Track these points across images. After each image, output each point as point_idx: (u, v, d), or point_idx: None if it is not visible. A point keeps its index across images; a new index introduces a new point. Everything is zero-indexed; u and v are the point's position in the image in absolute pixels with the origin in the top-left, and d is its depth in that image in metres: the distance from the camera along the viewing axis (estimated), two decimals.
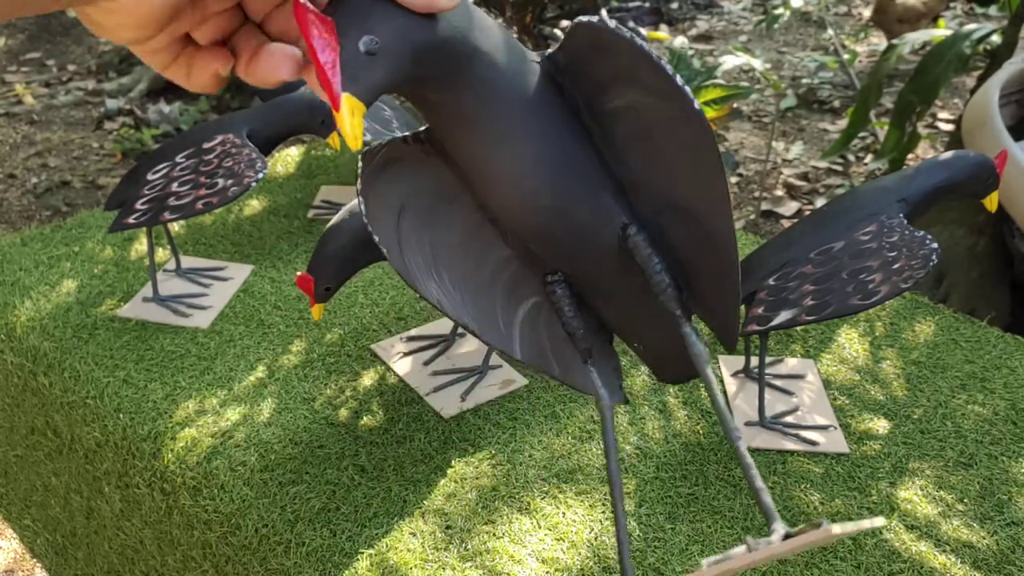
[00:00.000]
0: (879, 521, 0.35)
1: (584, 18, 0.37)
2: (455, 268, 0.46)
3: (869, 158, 2.50)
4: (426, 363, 0.85)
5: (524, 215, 0.41)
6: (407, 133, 0.42)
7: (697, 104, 0.36)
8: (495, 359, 0.86)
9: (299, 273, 0.75)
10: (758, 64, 2.00)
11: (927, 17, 3.00)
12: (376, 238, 0.44)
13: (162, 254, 1.03)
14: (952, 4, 3.64)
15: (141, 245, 1.05)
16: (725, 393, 0.83)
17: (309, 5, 0.32)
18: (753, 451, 0.76)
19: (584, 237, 0.42)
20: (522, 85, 0.37)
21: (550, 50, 0.38)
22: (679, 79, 0.36)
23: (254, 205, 1.14)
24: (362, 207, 0.44)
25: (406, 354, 0.87)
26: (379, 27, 0.33)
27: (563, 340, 0.49)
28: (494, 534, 0.68)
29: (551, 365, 0.49)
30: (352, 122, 0.33)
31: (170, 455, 0.76)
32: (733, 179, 2.43)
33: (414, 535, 0.68)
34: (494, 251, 0.47)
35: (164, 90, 2.98)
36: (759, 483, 0.39)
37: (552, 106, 0.38)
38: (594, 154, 0.40)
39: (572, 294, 0.47)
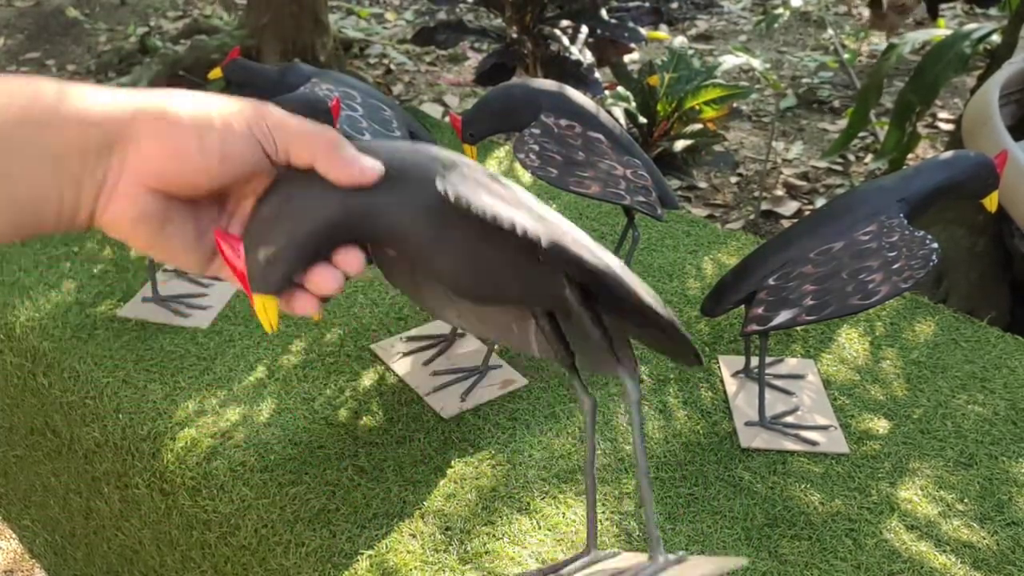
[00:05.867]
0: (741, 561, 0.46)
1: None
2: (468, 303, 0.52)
3: (869, 158, 2.50)
4: (426, 363, 0.85)
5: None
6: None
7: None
8: (495, 359, 0.85)
9: None
10: (758, 64, 2.01)
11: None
12: (396, 287, 0.51)
13: None
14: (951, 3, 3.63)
15: None
16: (726, 393, 0.83)
17: (221, 231, 0.43)
18: (753, 451, 0.76)
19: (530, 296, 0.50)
20: (431, 216, 0.44)
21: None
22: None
23: None
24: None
25: (406, 354, 0.86)
26: (271, 236, 0.42)
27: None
28: (494, 535, 0.68)
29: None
30: (265, 314, 0.43)
31: (169, 455, 0.76)
32: (733, 179, 2.43)
33: (414, 536, 0.67)
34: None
35: None
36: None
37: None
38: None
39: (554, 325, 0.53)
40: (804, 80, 3.04)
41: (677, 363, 0.58)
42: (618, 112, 1.89)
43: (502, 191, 0.45)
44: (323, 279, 0.44)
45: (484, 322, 0.53)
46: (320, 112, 0.98)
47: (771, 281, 0.75)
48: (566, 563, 0.55)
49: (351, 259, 0.44)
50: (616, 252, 1.00)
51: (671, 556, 0.49)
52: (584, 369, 0.53)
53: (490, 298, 0.48)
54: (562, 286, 0.48)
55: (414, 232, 0.44)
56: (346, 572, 0.65)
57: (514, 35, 2.04)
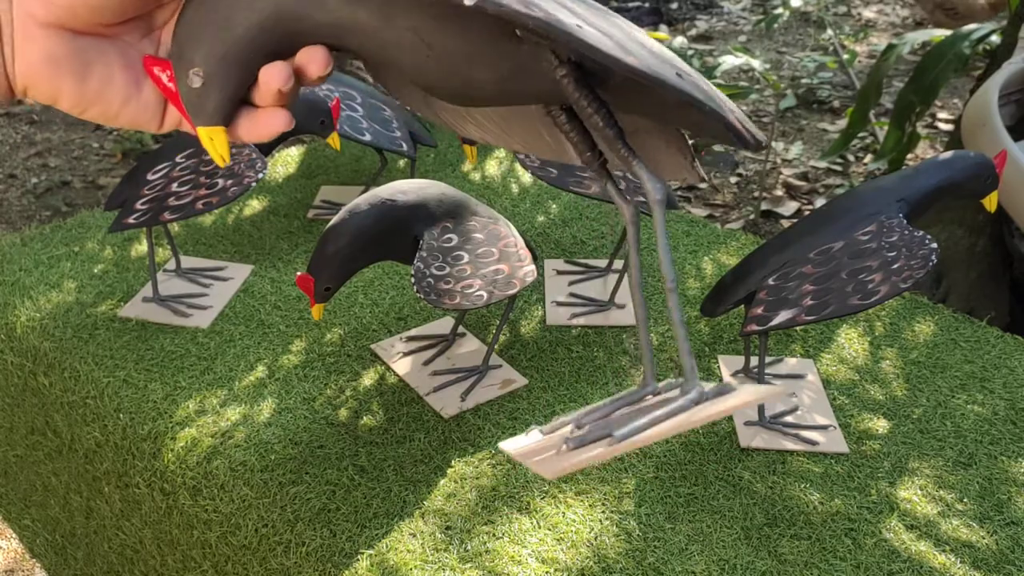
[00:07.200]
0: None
1: None
2: None
3: (869, 158, 2.50)
4: (426, 363, 0.85)
5: None
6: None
7: None
8: (495, 359, 0.86)
9: (299, 273, 0.75)
10: (758, 64, 2.00)
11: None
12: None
13: (162, 254, 1.03)
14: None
15: (141, 245, 1.05)
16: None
17: (151, 56, 0.36)
18: (753, 450, 0.76)
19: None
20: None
21: None
22: None
23: (254, 205, 1.14)
24: None
25: (406, 354, 0.87)
26: (196, 55, 0.35)
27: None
28: (494, 534, 0.68)
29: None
30: (213, 148, 0.37)
31: (170, 455, 0.76)
32: (733, 179, 2.43)
33: (414, 535, 0.68)
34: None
35: None
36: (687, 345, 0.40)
37: None
38: None
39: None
40: (804, 80, 3.05)
41: (726, 144, 0.45)
42: None
43: None
44: (271, 74, 0.36)
45: (508, 132, 0.45)
46: (320, 112, 0.98)
47: (771, 281, 0.75)
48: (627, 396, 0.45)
49: (315, 56, 0.36)
50: (616, 252, 1.01)
51: (707, 388, 0.40)
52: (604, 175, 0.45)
53: (469, 97, 0.38)
54: (551, 67, 0.37)
55: (357, 25, 0.35)
56: (346, 572, 0.65)
57: None
